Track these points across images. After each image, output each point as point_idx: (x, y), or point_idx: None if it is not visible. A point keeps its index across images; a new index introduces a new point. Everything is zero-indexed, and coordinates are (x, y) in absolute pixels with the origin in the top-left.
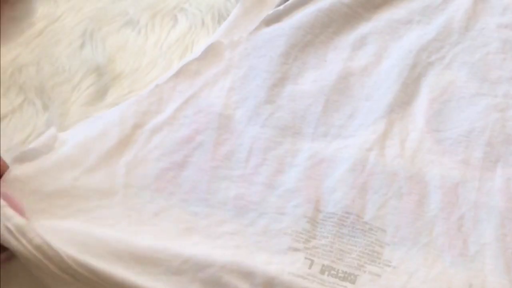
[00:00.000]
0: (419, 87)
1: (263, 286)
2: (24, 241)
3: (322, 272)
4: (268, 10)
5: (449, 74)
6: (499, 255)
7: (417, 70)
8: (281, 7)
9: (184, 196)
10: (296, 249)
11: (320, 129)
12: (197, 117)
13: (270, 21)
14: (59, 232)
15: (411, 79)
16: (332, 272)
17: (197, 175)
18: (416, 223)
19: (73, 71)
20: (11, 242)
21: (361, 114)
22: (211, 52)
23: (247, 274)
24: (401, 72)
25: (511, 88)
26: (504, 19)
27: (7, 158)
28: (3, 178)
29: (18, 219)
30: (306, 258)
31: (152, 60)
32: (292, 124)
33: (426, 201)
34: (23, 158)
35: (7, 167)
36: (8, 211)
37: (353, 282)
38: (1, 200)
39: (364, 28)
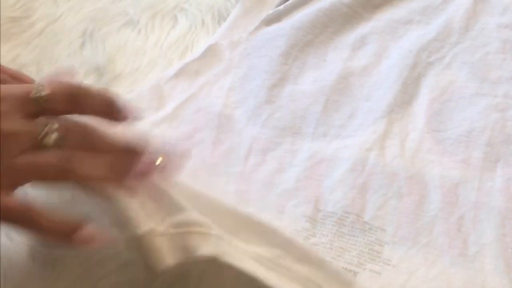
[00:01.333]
0: (419, 87)
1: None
2: None
3: None
4: (268, 10)
5: (449, 74)
6: (499, 255)
7: (417, 70)
8: (281, 7)
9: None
10: None
11: (320, 129)
12: (197, 116)
13: (270, 21)
14: None
15: (411, 79)
16: None
17: (197, 168)
18: (416, 223)
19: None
20: None
21: (361, 114)
22: (211, 52)
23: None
24: (401, 72)
25: (511, 88)
26: (504, 19)
27: None
28: None
29: None
30: None
31: (152, 60)
32: (291, 124)
33: (426, 201)
34: None
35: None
36: None
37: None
38: None
39: (364, 28)
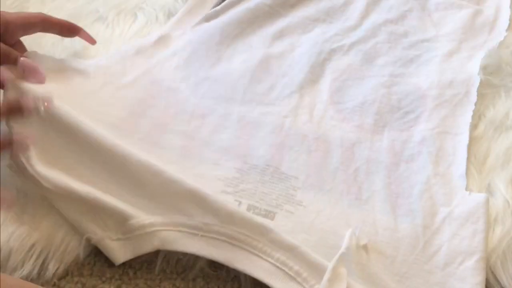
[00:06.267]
0: (324, 69)
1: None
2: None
3: (248, 210)
4: (208, 10)
5: (347, 59)
6: (386, 199)
7: (322, 56)
8: (218, 7)
9: (141, 136)
10: (227, 192)
11: (247, 96)
12: (151, 86)
13: (209, 18)
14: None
15: (318, 63)
16: (256, 210)
17: (152, 125)
18: (321, 173)
19: (57, 56)
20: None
21: (279, 87)
22: (163, 40)
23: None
24: (310, 58)
25: (395, 69)
26: (389, 15)
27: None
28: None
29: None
30: (235, 200)
31: (117, 48)
32: (224, 93)
33: (329, 156)
34: None
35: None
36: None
37: (272, 218)
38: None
39: (281, 23)
